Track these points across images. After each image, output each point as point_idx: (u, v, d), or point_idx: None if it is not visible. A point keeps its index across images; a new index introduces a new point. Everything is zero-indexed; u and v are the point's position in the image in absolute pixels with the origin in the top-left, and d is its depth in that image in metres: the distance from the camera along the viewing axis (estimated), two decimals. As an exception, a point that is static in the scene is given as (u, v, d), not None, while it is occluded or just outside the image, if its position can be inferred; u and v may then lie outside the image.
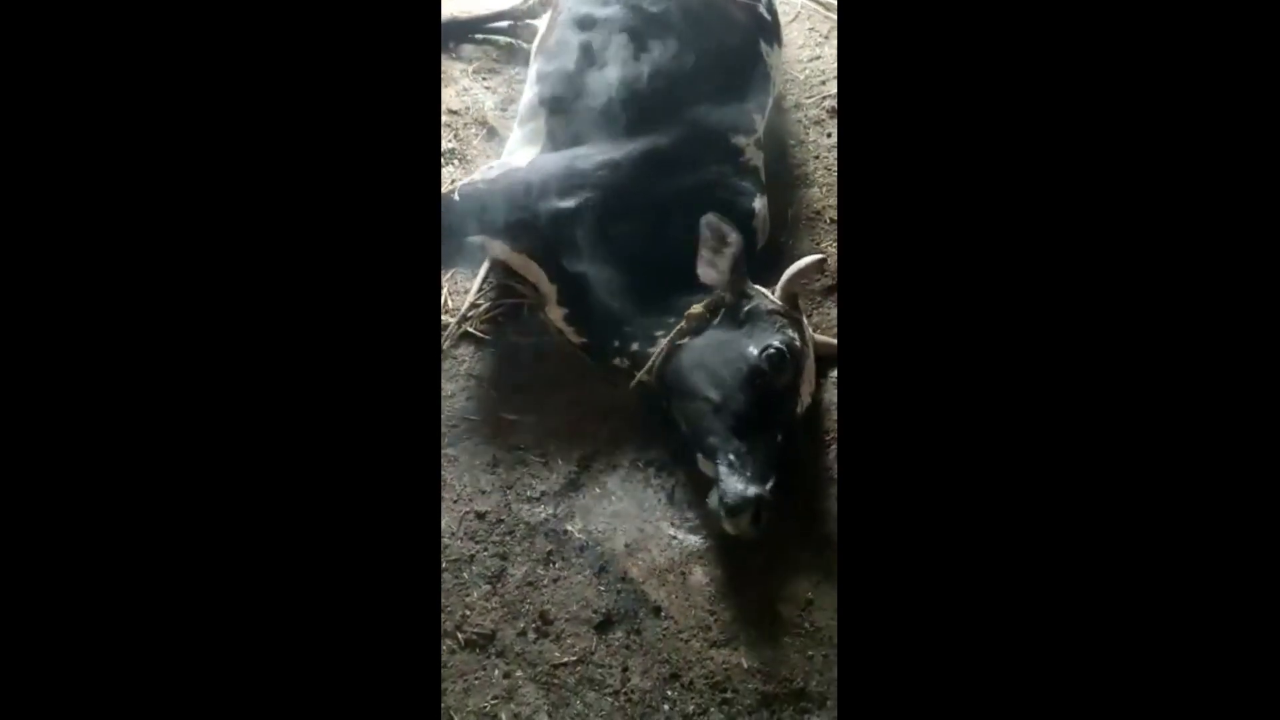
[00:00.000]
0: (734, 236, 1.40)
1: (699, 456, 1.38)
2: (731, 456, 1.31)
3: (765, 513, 1.29)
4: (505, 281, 1.68)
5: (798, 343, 1.39)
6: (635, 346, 1.48)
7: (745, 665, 1.29)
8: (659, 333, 1.47)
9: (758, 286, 1.46)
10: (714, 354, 1.41)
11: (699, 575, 1.37)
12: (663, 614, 1.33)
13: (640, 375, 1.46)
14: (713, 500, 1.33)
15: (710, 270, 1.43)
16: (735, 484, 1.29)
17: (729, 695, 1.27)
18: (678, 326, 1.45)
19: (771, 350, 1.35)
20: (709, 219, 1.41)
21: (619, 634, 1.32)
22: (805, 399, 1.41)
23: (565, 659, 1.29)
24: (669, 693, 1.27)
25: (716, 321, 1.44)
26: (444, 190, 1.85)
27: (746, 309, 1.42)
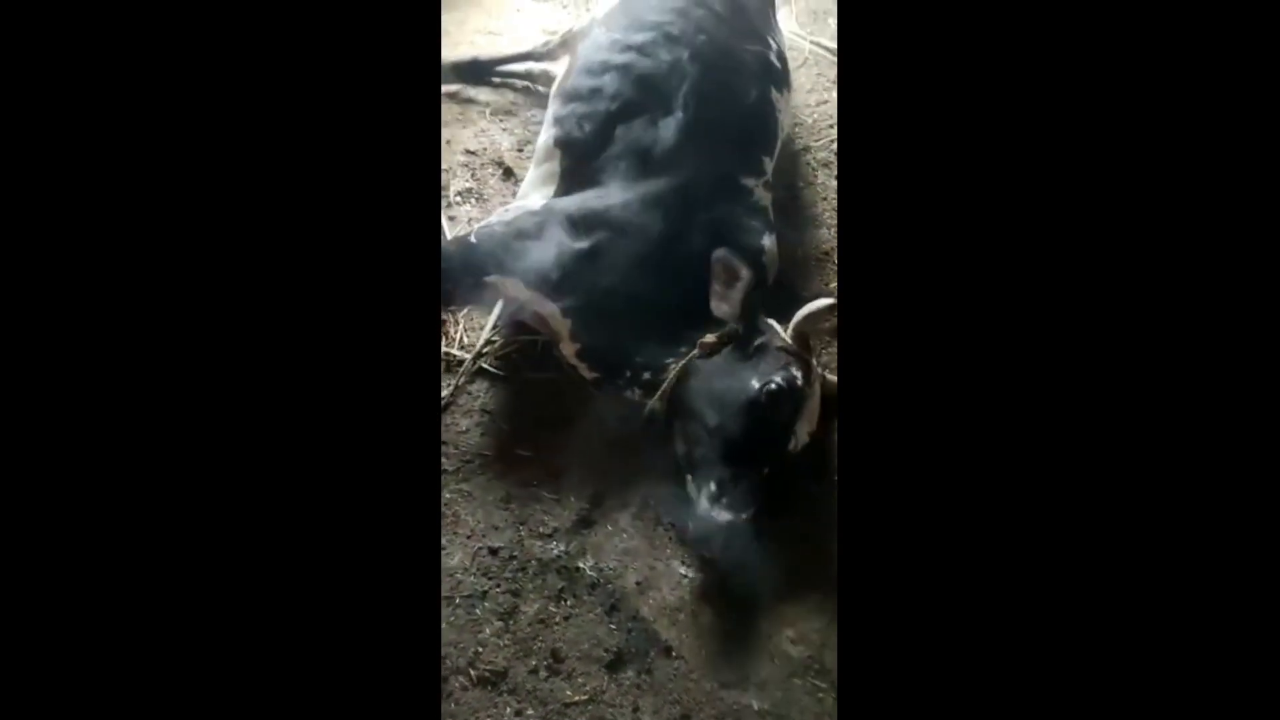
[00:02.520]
0: (746, 272, 1.44)
1: (687, 477, 1.41)
2: (713, 483, 1.35)
3: (738, 541, 1.32)
4: (519, 318, 1.72)
5: (800, 382, 1.42)
6: (647, 375, 1.51)
7: (755, 707, 1.29)
8: (670, 360, 1.50)
9: (771, 322, 1.49)
10: (718, 381, 1.44)
11: (709, 615, 1.38)
12: (673, 654, 1.34)
13: (652, 402, 1.48)
14: (689, 523, 1.36)
15: (722, 304, 1.47)
16: (709, 510, 1.33)
17: (739, 737, 1.27)
18: (690, 354, 1.48)
19: (772, 386, 1.38)
20: (720, 254, 1.45)
21: (630, 673, 1.32)
22: (803, 437, 1.43)
23: (576, 698, 1.30)
24: (679, 733, 1.27)
25: (727, 351, 1.47)
26: (461, 231, 1.89)
27: (756, 343, 1.46)
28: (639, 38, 1.75)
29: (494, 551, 1.44)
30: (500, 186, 2.02)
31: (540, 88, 2.18)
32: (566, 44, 2.08)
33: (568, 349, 1.58)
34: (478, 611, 1.37)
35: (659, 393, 1.47)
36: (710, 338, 1.46)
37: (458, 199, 2.00)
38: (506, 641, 1.35)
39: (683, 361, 1.47)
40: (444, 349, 1.72)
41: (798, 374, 1.42)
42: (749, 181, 1.67)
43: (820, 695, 1.31)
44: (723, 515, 1.31)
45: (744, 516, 1.32)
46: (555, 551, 1.44)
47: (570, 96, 1.74)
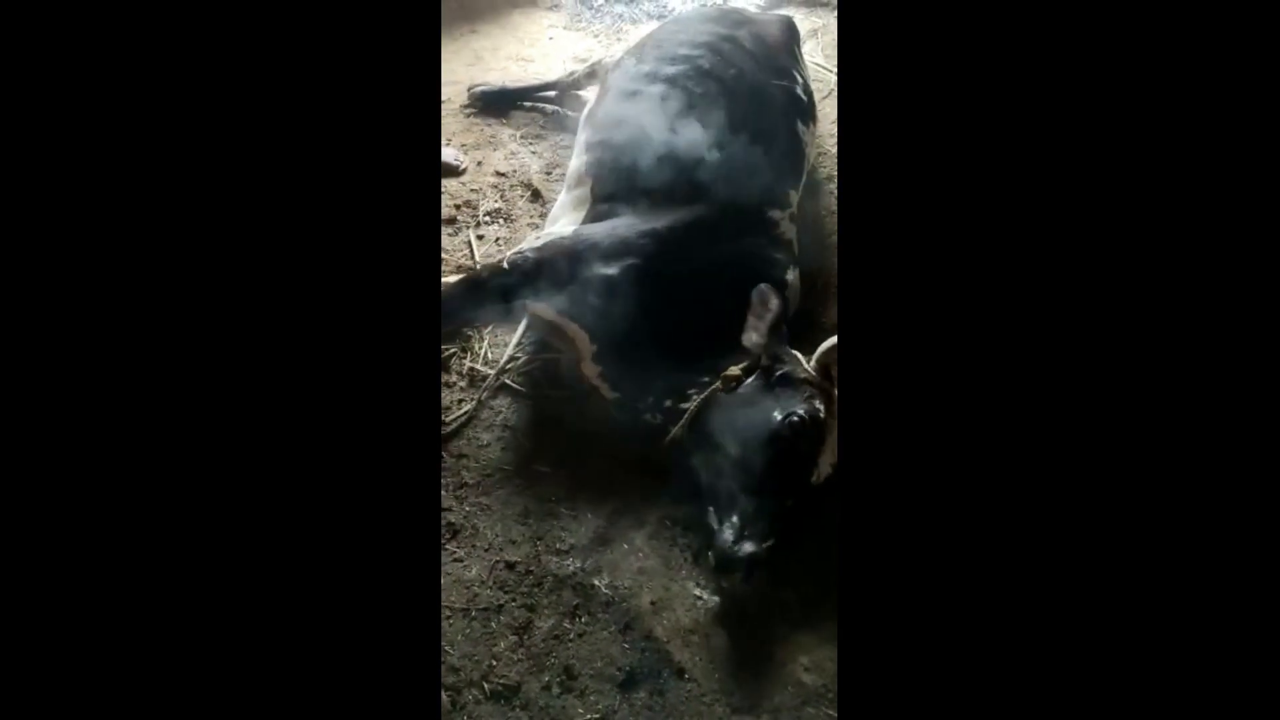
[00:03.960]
0: (775, 303, 1.48)
1: (709, 508, 1.42)
2: (735, 514, 1.37)
3: (757, 571, 1.34)
4: (543, 337, 1.75)
5: (822, 414, 1.43)
6: (668, 403, 1.53)
7: (767, 733, 1.29)
8: (692, 390, 1.52)
9: (794, 353, 1.51)
10: (741, 412, 1.45)
11: (723, 638, 1.38)
12: (686, 676, 1.34)
13: (674, 431, 1.50)
14: (710, 553, 1.38)
15: (753, 335, 1.50)
16: (731, 541, 1.35)
17: (750, 763, 1.27)
18: (712, 385, 1.50)
19: (794, 418, 1.39)
20: (762, 288, 1.50)
21: (642, 694, 1.32)
22: (824, 469, 1.44)
23: (588, 716, 1.30)
24: (690, 757, 1.27)
25: (749, 382, 1.49)
26: (489, 251, 1.94)
27: (779, 374, 1.47)
28: (670, 70, 1.80)
29: (511, 566, 1.46)
30: (528, 208, 2.07)
31: (569, 113, 2.24)
32: (594, 74, 2.14)
33: (590, 370, 1.60)
34: (493, 625, 1.39)
35: (681, 421, 1.49)
36: (733, 369, 1.49)
37: (487, 219, 2.05)
38: (520, 656, 1.36)
39: (705, 393, 1.49)
40: (469, 364, 1.75)
41: (820, 406, 1.44)
42: (775, 214, 1.71)
43: (832, 724, 1.31)
44: (745, 547, 1.34)
45: (764, 547, 1.34)
46: (571, 568, 1.46)
47: (602, 125, 1.79)
